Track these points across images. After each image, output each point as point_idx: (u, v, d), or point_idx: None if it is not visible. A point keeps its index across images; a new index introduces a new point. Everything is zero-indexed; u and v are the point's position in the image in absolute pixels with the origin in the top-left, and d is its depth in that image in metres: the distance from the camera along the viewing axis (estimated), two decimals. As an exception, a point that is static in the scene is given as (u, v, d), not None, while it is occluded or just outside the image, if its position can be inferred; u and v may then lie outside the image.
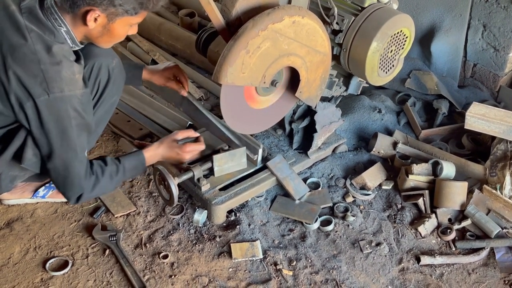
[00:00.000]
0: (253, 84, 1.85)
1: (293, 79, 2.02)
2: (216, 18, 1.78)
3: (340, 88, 2.32)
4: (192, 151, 2.08)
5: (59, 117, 1.62)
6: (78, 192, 1.79)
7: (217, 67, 1.74)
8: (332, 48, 2.07)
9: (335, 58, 2.15)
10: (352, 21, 2.04)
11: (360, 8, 2.06)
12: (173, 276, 1.96)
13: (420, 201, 2.23)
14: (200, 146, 2.12)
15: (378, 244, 2.11)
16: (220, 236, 2.11)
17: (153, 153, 2.01)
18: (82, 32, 1.66)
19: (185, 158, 2.07)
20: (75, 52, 1.70)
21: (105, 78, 1.89)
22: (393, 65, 2.17)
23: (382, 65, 2.11)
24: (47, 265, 1.96)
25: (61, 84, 1.58)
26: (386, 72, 2.16)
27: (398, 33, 2.06)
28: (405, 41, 2.13)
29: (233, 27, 1.78)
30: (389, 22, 2.00)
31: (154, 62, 3.13)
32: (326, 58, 1.99)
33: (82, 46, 1.75)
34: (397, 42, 2.10)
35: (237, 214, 2.19)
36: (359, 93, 2.41)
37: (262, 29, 1.71)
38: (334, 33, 2.09)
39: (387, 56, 2.11)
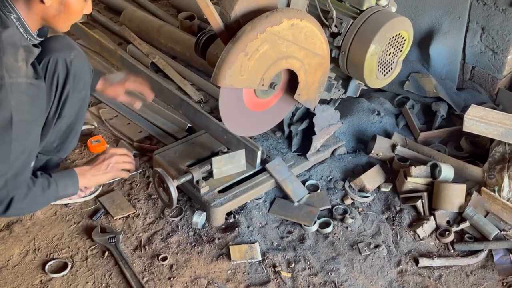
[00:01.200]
0: (251, 87, 1.86)
1: (292, 82, 2.02)
2: (215, 21, 1.78)
3: (338, 90, 2.33)
4: (117, 151, 2.00)
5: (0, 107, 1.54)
6: (9, 196, 1.66)
7: (216, 70, 1.74)
8: (331, 50, 2.08)
9: (334, 60, 2.16)
10: (350, 24, 2.05)
11: (358, 11, 2.07)
12: (172, 278, 1.96)
13: (419, 203, 2.23)
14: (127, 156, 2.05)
15: (376, 246, 2.11)
16: (219, 238, 2.11)
17: (84, 169, 1.92)
18: (38, 14, 1.62)
19: (116, 159, 1.98)
20: (34, 46, 1.66)
21: (63, 73, 1.83)
22: (391, 68, 2.18)
23: (380, 67, 2.11)
24: (47, 267, 1.96)
25: (1, 71, 1.52)
26: (385, 75, 2.17)
27: (396, 35, 2.07)
28: (404, 43, 2.14)
29: (232, 30, 1.78)
30: (387, 25, 2.01)
31: (154, 64, 3.14)
32: (325, 60, 2.00)
33: (40, 40, 1.72)
34: (395, 45, 2.11)
35: (236, 216, 2.20)
36: (358, 96, 2.42)
37: (260, 31, 1.72)
38: (333, 35, 2.10)
39: (386, 59, 2.11)
